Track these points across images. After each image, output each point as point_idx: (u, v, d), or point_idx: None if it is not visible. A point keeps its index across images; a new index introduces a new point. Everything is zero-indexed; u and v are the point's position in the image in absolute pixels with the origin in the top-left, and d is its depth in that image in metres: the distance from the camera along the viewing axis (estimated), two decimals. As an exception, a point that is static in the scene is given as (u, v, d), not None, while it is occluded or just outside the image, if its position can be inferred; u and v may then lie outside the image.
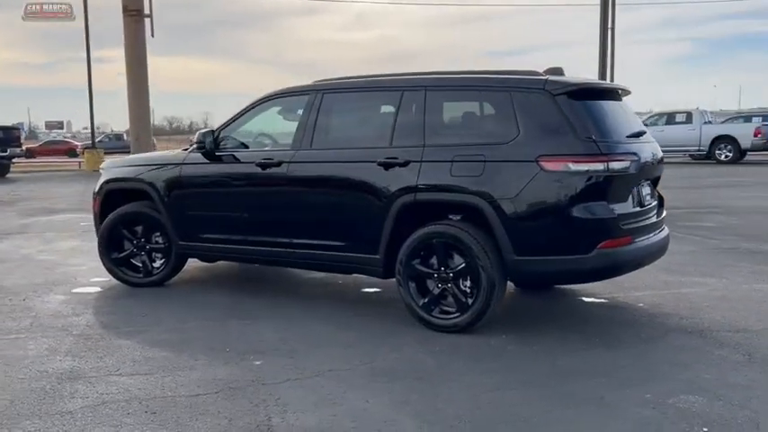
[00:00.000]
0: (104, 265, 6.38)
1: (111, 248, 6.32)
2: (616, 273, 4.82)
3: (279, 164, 5.45)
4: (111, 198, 6.45)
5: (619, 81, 20.56)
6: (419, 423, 3.38)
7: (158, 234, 6.23)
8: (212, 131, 5.82)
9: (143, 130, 18.11)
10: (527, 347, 4.49)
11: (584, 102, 4.66)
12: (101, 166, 6.85)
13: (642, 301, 5.56)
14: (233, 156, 5.82)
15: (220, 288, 6.27)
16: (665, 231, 5.31)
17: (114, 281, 6.36)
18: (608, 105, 4.91)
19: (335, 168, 5.30)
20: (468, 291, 4.74)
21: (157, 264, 6.29)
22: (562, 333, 4.78)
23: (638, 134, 5.02)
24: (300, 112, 5.61)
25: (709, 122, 25.40)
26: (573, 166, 4.44)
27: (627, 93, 5.39)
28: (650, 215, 5.06)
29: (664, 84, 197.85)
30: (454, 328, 4.75)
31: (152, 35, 17.65)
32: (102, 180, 6.54)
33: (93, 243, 6.71)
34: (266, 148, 6.07)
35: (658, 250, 5.06)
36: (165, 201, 6.04)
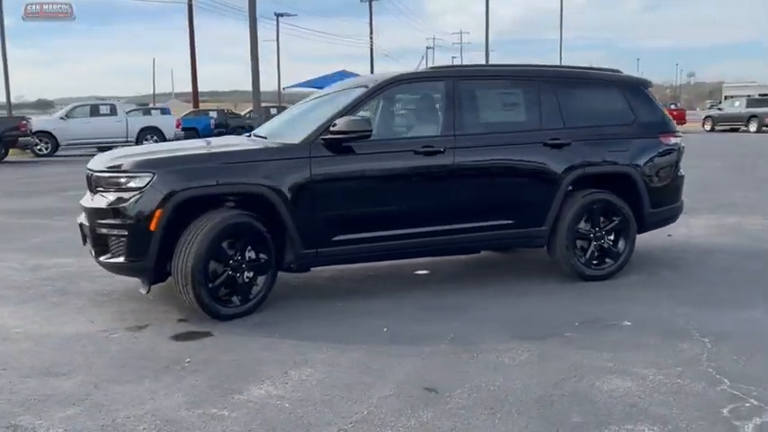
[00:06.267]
0: (200, 299, 4.77)
1: (208, 276, 4.76)
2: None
3: (443, 150, 5.38)
4: (181, 210, 4.79)
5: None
6: None
7: (250, 248, 5.02)
8: (368, 120, 5.13)
9: None
10: (652, 277, 6.09)
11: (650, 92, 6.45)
12: (137, 165, 4.76)
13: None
14: (380, 144, 5.31)
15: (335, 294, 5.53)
16: None
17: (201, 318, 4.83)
18: None
19: (505, 151, 5.67)
20: (613, 243, 5.97)
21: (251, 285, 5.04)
22: (638, 265, 6.43)
23: None
24: (434, 97, 5.61)
25: (133, 114, 26.92)
26: (673, 140, 6.31)
27: None
28: None
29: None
30: (607, 276, 5.94)
31: None
32: (166, 187, 4.72)
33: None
34: (414, 135, 5.71)
35: None
36: (291, 204, 5.00)
